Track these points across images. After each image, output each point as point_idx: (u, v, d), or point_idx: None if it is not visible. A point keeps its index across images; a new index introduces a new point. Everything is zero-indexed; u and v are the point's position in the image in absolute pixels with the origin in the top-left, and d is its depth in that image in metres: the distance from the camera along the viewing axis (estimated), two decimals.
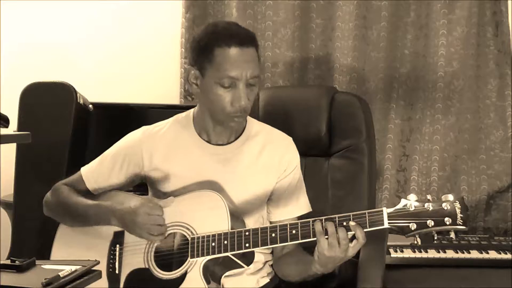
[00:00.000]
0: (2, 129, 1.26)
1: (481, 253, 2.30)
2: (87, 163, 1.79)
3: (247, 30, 1.62)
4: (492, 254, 2.30)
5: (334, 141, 2.19)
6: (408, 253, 2.29)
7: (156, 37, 2.84)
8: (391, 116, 2.72)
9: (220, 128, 1.68)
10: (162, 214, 1.55)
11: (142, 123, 1.80)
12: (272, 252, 1.78)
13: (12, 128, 1.45)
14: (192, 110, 1.75)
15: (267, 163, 1.70)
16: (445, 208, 1.38)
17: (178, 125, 1.74)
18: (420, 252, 2.30)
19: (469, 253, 2.30)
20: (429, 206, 1.39)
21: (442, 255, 2.28)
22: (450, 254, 2.29)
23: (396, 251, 2.30)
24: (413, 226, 1.40)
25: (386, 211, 1.42)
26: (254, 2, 2.75)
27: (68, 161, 2.30)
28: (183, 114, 1.77)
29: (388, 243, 2.24)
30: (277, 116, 2.21)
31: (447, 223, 1.38)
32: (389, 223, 1.41)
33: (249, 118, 1.74)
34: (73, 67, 2.81)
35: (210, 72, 1.57)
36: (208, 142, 1.70)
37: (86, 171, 1.75)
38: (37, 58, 2.83)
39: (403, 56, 2.69)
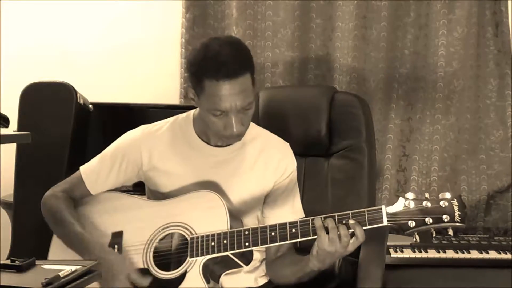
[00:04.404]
0: (2, 129, 1.26)
1: (481, 253, 2.30)
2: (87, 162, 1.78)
3: (239, 55, 1.54)
4: (492, 254, 2.29)
5: (334, 141, 2.19)
6: (408, 253, 2.29)
7: (156, 37, 2.84)
8: (391, 116, 2.72)
9: None
10: None
11: (142, 123, 1.80)
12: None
13: (12, 128, 1.45)
14: (193, 111, 1.75)
15: (265, 166, 1.71)
16: (443, 205, 1.42)
17: (177, 125, 1.74)
18: (420, 252, 2.29)
19: (469, 253, 2.30)
20: (427, 204, 1.43)
21: (442, 255, 2.28)
22: (450, 254, 2.29)
23: (396, 251, 2.29)
24: (412, 223, 1.43)
25: (385, 209, 1.44)
26: (254, 2, 2.75)
27: (68, 161, 2.30)
28: (184, 115, 1.76)
29: (388, 243, 2.24)
30: (277, 116, 2.21)
31: (445, 220, 1.41)
32: (388, 221, 1.44)
33: None
34: (73, 67, 2.81)
35: (202, 100, 1.57)
36: (207, 143, 1.71)
37: (85, 170, 1.73)
38: (37, 58, 2.83)
39: (403, 56, 2.69)
